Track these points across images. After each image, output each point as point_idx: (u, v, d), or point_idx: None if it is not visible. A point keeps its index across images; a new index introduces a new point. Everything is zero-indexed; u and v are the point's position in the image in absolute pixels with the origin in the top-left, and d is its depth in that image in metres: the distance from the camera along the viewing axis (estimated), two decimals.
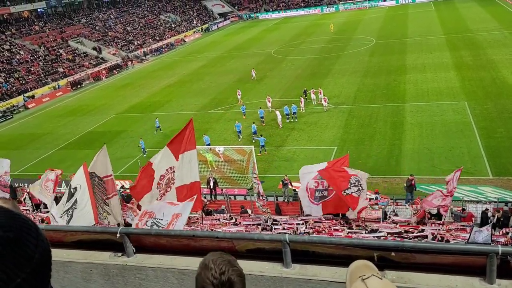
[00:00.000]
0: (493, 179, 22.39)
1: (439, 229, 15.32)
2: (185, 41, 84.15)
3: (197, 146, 29.83)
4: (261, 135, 29.02)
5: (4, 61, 59.83)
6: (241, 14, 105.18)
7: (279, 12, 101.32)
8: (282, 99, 38.59)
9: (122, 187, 24.00)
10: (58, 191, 21.26)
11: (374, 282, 1.73)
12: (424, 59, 45.85)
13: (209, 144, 28.96)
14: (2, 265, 1.19)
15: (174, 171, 12.18)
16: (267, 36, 76.30)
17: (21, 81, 56.45)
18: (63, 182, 25.51)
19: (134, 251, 3.92)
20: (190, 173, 12.46)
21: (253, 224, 16.86)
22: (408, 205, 18.52)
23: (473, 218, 17.03)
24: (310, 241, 3.49)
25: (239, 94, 40.91)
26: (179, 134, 12.61)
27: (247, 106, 38.17)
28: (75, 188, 12.93)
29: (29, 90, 54.79)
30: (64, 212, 12.62)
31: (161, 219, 9.73)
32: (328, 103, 34.31)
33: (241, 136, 31.08)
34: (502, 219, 16.20)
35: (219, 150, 28.03)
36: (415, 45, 52.65)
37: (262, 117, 33.63)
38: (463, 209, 17.42)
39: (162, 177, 12.18)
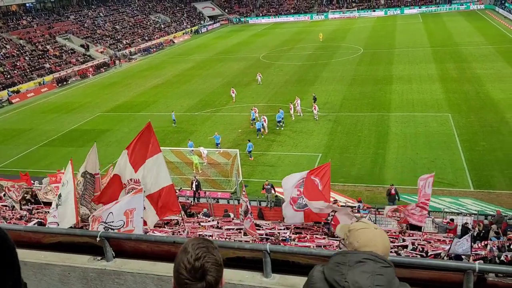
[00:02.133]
0: (474, 191, 22.72)
1: (419, 239, 15.50)
2: (174, 42, 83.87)
3: (182, 149, 29.60)
4: (249, 140, 28.93)
5: None
6: (231, 17, 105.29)
7: (269, 18, 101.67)
8: (268, 104, 38.68)
9: None
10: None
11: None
12: (410, 70, 46.45)
13: (192, 150, 28.63)
14: None
15: (138, 182, 11.49)
16: (256, 40, 76.48)
17: (6, 76, 55.58)
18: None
19: (114, 255, 3.88)
20: (157, 179, 11.76)
21: (236, 229, 16.84)
22: (388, 212, 18.65)
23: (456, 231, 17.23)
24: (290, 251, 3.50)
25: (233, 93, 40.93)
26: (136, 142, 11.74)
27: (234, 110, 38.22)
28: (63, 184, 12.88)
29: (14, 85, 53.98)
30: (54, 207, 12.55)
31: (112, 221, 9.35)
32: (318, 111, 34.24)
33: (221, 150, 29.17)
34: (482, 232, 16.45)
35: (203, 152, 27.85)
36: (402, 56, 53.31)
37: (253, 119, 33.62)
38: (452, 220, 17.58)
39: (124, 185, 11.67)
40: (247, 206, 14.95)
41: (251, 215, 15.23)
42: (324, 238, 15.15)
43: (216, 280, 1.85)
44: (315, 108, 34.19)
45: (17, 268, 1.35)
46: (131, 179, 11.61)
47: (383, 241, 2.04)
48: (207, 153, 27.93)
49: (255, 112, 34.13)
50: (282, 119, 33.11)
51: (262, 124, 31.96)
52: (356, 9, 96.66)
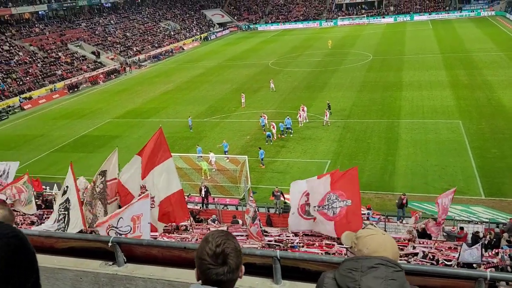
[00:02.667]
0: (485, 199, 22.50)
1: (430, 247, 15.36)
2: (183, 49, 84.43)
3: (190, 155, 29.70)
4: (260, 148, 28.91)
5: (3, 61, 59.70)
6: (240, 24, 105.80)
7: (278, 24, 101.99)
8: (277, 110, 38.72)
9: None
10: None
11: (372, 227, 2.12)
12: (420, 76, 46.25)
13: (200, 156, 28.78)
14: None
15: (146, 189, 11.41)
16: (265, 47, 76.72)
17: (18, 82, 56.30)
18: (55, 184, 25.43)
19: (125, 260, 3.92)
20: (167, 185, 11.74)
21: (245, 235, 16.80)
22: (400, 221, 18.58)
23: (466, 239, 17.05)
24: (300, 258, 3.51)
25: (243, 98, 41.17)
26: (149, 148, 11.75)
27: (243, 116, 38.34)
28: (67, 187, 12.94)
29: (26, 91, 54.65)
30: (59, 209, 12.55)
31: (121, 226, 9.34)
32: (328, 118, 34.14)
33: (228, 158, 29.35)
34: (494, 240, 16.26)
35: (211, 159, 27.92)
36: (411, 62, 53.12)
37: (263, 126, 33.75)
38: (461, 228, 17.42)
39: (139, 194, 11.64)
40: (255, 211, 14.88)
41: (259, 221, 15.14)
42: (333, 246, 15.05)
43: (236, 265, 2.01)
44: (326, 115, 34.09)
45: (36, 272, 1.38)
46: (141, 186, 11.65)
47: (392, 246, 2.06)
48: (215, 160, 28.01)
49: (265, 118, 34.19)
50: (289, 128, 32.96)
51: (271, 131, 31.98)
52: (365, 15, 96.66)
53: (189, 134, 35.41)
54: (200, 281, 2.03)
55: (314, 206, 13.95)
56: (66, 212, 12.55)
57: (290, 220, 15.67)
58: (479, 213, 21.14)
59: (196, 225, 18.88)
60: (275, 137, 32.24)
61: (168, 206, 11.78)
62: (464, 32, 70.48)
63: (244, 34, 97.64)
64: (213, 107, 42.67)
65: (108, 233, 9.24)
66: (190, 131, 36.02)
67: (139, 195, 11.32)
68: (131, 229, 9.37)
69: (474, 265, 13.02)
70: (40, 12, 78.75)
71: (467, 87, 40.88)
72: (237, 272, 2.03)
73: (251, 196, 15.77)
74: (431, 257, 14.14)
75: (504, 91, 38.49)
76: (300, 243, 15.74)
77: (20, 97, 52.52)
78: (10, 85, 55.03)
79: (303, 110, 35.14)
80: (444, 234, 17.42)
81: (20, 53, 63.57)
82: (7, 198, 16.12)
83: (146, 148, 11.85)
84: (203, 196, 23.77)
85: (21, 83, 56.34)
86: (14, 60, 61.16)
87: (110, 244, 3.87)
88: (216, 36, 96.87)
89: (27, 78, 58.01)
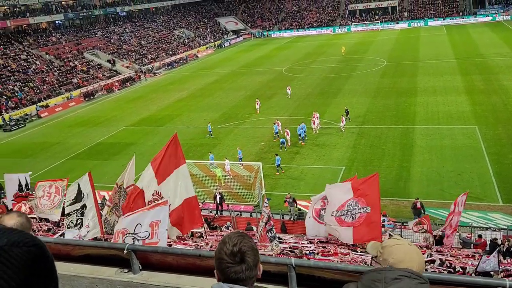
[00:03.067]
0: (503, 205, 22.13)
1: (447, 254, 15.14)
2: (197, 57, 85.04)
3: (205, 162, 29.76)
4: (276, 154, 28.90)
5: (20, 70, 60.81)
6: (254, 31, 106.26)
7: (291, 31, 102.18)
8: (291, 117, 38.69)
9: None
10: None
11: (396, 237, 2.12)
12: (435, 82, 45.83)
13: (213, 163, 28.85)
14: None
15: (162, 196, 11.46)
16: (279, 54, 76.87)
17: (35, 91, 57.26)
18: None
19: (140, 268, 3.94)
20: (182, 191, 11.77)
21: (258, 242, 16.76)
22: (413, 227, 18.33)
23: (485, 247, 16.76)
24: (316, 266, 3.49)
25: (258, 104, 41.27)
26: (163, 154, 11.76)
27: (257, 123, 38.39)
28: (83, 195, 13.10)
29: (43, 99, 55.54)
30: (73, 215, 12.70)
31: (139, 232, 9.33)
32: (345, 124, 33.90)
33: (243, 165, 29.36)
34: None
35: (226, 166, 27.94)
36: (426, 68, 52.71)
37: (276, 133, 33.77)
38: (479, 236, 17.15)
39: (150, 202, 11.68)
40: (268, 217, 14.83)
41: (270, 226, 15.07)
42: (348, 254, 14.93)
43: (254, 262, 2.09)
44: (342, 121, 33.88)
45: (55, 280, 1.40)
46: (155, 192, 11.68)
47: (419, 256, 2.04)
48: (230, 167, 28.05)
49: (278, 125, 34.17)
50: (305, 133, 32.95)
51: (285, 138, 31.92)
52: (379, 21, 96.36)
53: (203, 141, 35.56)
54: (220, 282, 2.11)
55: (333, 211, 13.84)
56: (82, 217, 12.70)
57: (307, 224, 15.66)
58: (496, 220, 20.79)
59: (210, 232, 18.89)
60: (289, 144, 32.15)
61: (181, 212, 11.81)
62: (479, 37, 69.75)
63: (257, 41, 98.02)
64: (227, 114, 42.82)
65: (124, 240, 9.28)
66: (210, 136, 36.09)
67: (153, 201, 11.37)
68: (149, 234, 9.39)
69: (492, 272, 12.79)
70: (57, 22, 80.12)
71: (483, 92, 40.38)
72: (255, 269, 2.10)
73: (266, 202, 15.73)
74: (448, 265, 13.94)
75: None
76: (315, 249, 15.66)
77: (37, 105, 53.38)
78: (27, 94, 56.01)
79: (315, 117, 34.90)
80: (460, 241, 17.18)
81: (37, 62, 64.69)
82: (42, 196, 15.91)
83: (160, 154, 11.90)
84: (217, 202, 23.83)
85: (38, 91, 57.29)
86: (32, 69, 62.26)
87: (125, 251, 3.90)
88: (230, 43, 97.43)
89: (44, 87, 58.97)
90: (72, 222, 13.13)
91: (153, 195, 11.69)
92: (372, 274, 1.91)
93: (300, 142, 32.57)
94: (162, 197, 11.42)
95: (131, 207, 11.31)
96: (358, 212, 13.58)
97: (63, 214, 14.93)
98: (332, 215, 13.87)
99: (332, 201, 13.94)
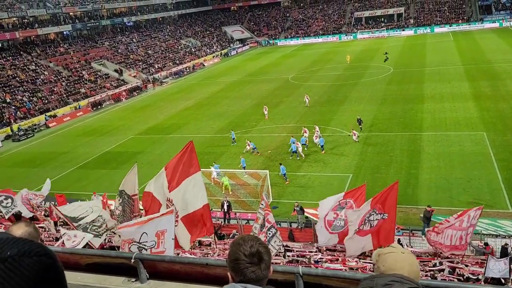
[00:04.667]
0: None
1: (457, 261, 14.97)
2: (204, 65, 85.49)
3: (212, 170, 29.75)
4: (280, 164, 28.79)
5: (29, 81, 61.44)
6: (260, 40, 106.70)
7: (297, 39, 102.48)
8: (298, 125, 38.67)
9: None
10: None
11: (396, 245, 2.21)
12: (442, 88, 45.67)
13: (218, 173, 28.88)
14: None
15: (173, 203, 11.39)
16: (285, 62, 77.08)
17: (44, 101, 57.79)
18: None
19: (148, 277, 3.94)
20: (196, 199, 11.67)
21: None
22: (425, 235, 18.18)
23: (493, 253, 16.58)
24: (323, 274, 3.47)
25: (266, 110, 41.33)
26: (177, 161, 11.74)
27: (264, 131, 38.40)
28: (95, 209, 13.07)
29: (51, 109, 56.01)
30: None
31: (146, 241, 9.34)
32: (358, 136, 33.02)
33: (246, 173, 29.33)
34: None
35: (213, 174, 28.14)
36: (433, 74, 52.56)
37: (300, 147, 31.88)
38: (486, 244, 16.98)
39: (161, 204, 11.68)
40: (264, 219, 14.50)
41: (268, 230, 14.69)
42: (356, 262, 14.83)
43: (269, 262, 2.17)
44: (354, 134, 32.90)
45: None
46: (167, 199, 11.64)
47: (410, 264, 2.05)
48: (216, 174, 28.23)
49: (306, 132, 33.35)
50: (304, 146, 32.09)
51: (297, 148, 31.30)
52: (385, 28, 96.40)
53: (211, 149, 35.59)
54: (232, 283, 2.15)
55: (355, 230, 13.76)
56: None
57: (318, 232, 15.62)
58: (507, 227, 20.56)
59: (218, 241, 18.86)
60: (303, 156, 31.38)
61: (194, 220, 11.75)
62: (486, 43, 69.53)
63: (263, 49, 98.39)
64: (233, 122, 42.90)
65: (129, 248, 9.28)
66: (233, 144, 35.92)
67: (167, 207, 11.35)
68: (155, 243, 9.38)
69: (502, 280, 12.65)
70: (64, 32, 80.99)
71: (490, 99, 40.16)
72: (269, 269, 2.18)
73: (262, 204, 15.51)
74: (458, 273, 13.80)
75: None
76: (322, 258, 15.58)
77: (45, 115, 53.84)
78: (36, 104, 56.52)
79: (306, 132, 33.42)
80: (472, 248, 17.00)
81: (46, 72, 65.33)
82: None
83: (174, 161, 11.88)
84: (225, 210, 23.81)
85: (46, 101, 57.80)
86: (40, 79, 62.88)
87: (133, 260, 3.91)
88: (236, 52, 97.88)
89: (52, 97, 59.50)
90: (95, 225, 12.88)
91: (166, 201, 11.66)
92: (365, 282, 1.95)
93: (322, 151, 31.78)
94: (173, 204, 11.39)
95: (147, 214, 11.28)
96: (376, 219, 13.60)
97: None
98: (355, 234, 13.80)
99: (353, 222, 13.84)
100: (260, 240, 2.23)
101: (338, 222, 14.73)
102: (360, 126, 35.12)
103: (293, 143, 31.45)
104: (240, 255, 2.11)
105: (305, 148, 32.37)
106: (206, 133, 39.36)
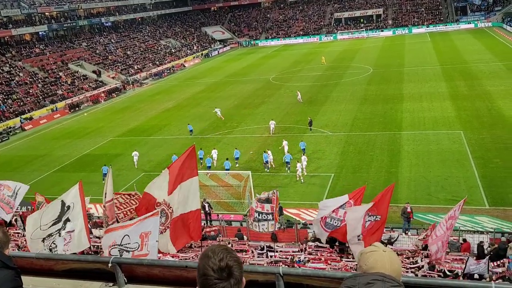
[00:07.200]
0: (489, 209, 22.34)
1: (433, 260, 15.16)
2: (185, 66, 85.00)
3: (201, 172, 29.65)
4: (265, 151, 29.95)
5: (3, 82, 60.04)
6: (241, 41, 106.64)
7: (278, 40, 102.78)
8: (279, 125, 38.74)
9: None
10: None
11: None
12: (420, 88, 46.36)
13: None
14: None
15: (169, 206, 11.39)
16: (266, 62, 77.19)
17: (19, 103, 56.59)
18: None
19: (126, 281, 3.86)
20: (188, 202, 11.65)
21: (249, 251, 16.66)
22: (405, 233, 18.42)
23: (470, 249, 16.88)
24: (304, 274, 3.45)
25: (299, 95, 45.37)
26: (180, 164, 11.72)
27: (246, 131, 38.38)
28: (68, 207, 12.60)
29: (27, 112, 54.88)
30: (51, 229, 12.20)
31: (128, 243, 9.13)
32: (302, 171, 28.34)
33: (237, 164, 30.65)
34: (499, 250, 16.06)
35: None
36: (411, 74, 53.32)
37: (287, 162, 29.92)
38: (464, 240, 17.26)
39: (158, 204, 11.61)
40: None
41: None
42: (340, 261, 14.90)
43: (240, 276, 2.02)
44: (298, 169, 27.78)
45: None
46: (163, 200, 11.54)
47: (391, 263, 2.06)
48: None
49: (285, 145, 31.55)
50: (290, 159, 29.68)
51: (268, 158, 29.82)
52: (364, 29, 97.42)
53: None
54: None
55: (358, 236, 13.82)
56: (59, 233, 11.98)
57: (315, 227, 15.84)
58: (484, 223, 20.97)
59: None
60: (274, 165, 30.15)
61: (184, 224, 11.68)
62: (462, 44, 70.86)
63: (244, 50, 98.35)
64: (215, 123, 42.74)
65: (109, 252, 9.09)
66: (192, 136, 37.59)
67: (158, 205, 11.28)
68: (138, 246, 9.16)
69: (476, 275, 12.89)
70: (40, 33, 79.54)
71: (467, 98, 40.93)
72: (241, 283, 2.04)
73: (250, 202, 15.68)
74: (438, 269, 13.99)
75: (503, 101, 38.50)
76: (305, 257, 15.61)
77: (21, 118, 52.73)
78: (10, 106, 55.31)
79: (267, 153, 30.16)
80: (448, 244, 17.23)
81: (21, 74, 64.02)
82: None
83: (177, 163, 11.81)
84: (206, 211, 23.64)
85: (21, 103, 56.62)
86: (15, 81, 61.57)
87: (110, 265, 3.82)
88: (218, 52, 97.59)
89: (28, 99, 58.33)
90: (54, 243, 12.13)
91: (163, 202, 11.57)
92: (348, 280, 1.96)
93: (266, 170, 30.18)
94: (170, 207, 11.34)
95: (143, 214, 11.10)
96: (369, 220, 13.77)
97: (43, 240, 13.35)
98: (359, 239, 13.84)
99: (356, 226, 13.90)
100: (232, 252, 2.07)
101: (332, 221, 14.87)
102: (310, 127, 35.72)
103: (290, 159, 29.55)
104: (209, 270, 1.97)
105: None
106: (187, 134, 39.08)
